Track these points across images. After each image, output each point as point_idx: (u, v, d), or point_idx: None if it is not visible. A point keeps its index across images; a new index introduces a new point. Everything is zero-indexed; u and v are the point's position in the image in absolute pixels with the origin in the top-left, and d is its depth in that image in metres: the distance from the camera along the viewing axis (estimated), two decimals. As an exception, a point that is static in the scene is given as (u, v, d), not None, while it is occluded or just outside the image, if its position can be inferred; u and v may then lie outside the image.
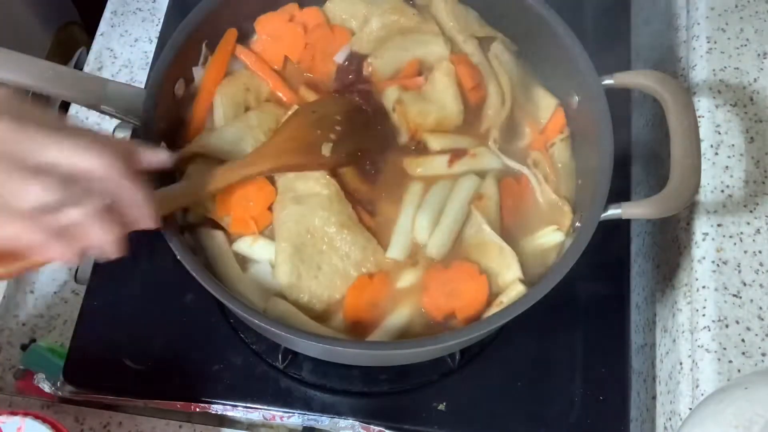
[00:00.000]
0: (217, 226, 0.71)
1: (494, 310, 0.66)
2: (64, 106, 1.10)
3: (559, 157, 0.75)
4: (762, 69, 0.82)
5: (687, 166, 0.65)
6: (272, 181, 0.72)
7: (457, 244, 0.70)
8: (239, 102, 0.75)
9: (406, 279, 0.69)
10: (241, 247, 0.70)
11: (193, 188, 0.66)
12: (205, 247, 0.70)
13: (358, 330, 0.68)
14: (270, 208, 0.71)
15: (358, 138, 0.72)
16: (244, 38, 0.80)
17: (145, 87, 0.71)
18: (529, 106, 0.77)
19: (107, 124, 0.95)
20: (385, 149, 0.74)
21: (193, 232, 0.70)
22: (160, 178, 0.68)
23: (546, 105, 0.77)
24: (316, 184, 0.70)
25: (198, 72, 0.76)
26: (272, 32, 0.79)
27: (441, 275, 0.68)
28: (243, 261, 0.70)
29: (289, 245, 0.68)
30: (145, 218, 0.57)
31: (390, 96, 0.75)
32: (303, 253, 0.68)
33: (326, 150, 0.70)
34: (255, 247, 0.70)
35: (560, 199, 0.72)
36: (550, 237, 0.71)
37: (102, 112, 0.69)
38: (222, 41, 0.77)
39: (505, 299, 0.67)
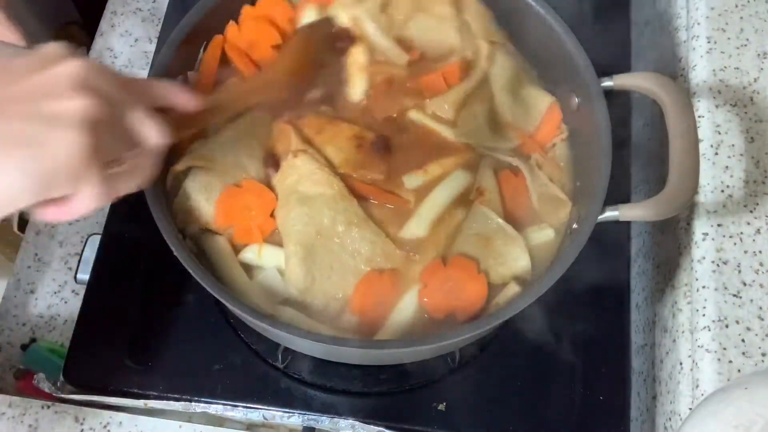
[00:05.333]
0: (218, 233, 0.70)
1: (492, 311, 0.66)
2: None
3: (561, 157, 0.75)
4: (762, 69, 0.82)
5: (685, 169, 0.65)
6: (271, 187, 0.71)
7: (459, 239, 0.70)
8: None
9: (412, 273, 0.69)
10: (249, 256, 0.69)
11: (216, 105, 0.65)
12: (208, 254, 0.69)
13: (364, 329, 0.68)
14: (272, 215, 0.70)
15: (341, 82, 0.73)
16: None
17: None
18: (518, 107, 0.76)
19: (107, 124, 0.95)
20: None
21: (196, 239, 0.70)
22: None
23: (539, 102, 0.76)
24: (318, 185, 0.69)
25: (193, 77, 0.76)
26: (247, 37, 0.78)
27: (439, 272, 0.68)
28: (248, 268, 0.69)
29: (301, 248, 0.67)
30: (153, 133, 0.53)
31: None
32: (315, 255, 0.68)
33: (315, 96, 0.72)
34: (263, 256, 0.69)
35: (560, 193, 0.72)
36: (542, 233, 0.71)
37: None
38: (209, 48, 0.76)
39: (501, 300, 0.67)
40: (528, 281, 0.68)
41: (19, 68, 0.49)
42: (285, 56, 0.73)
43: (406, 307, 0.68)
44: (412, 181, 0.71)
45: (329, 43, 0.75)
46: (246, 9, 0.78)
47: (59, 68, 0.48)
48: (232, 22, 0.77)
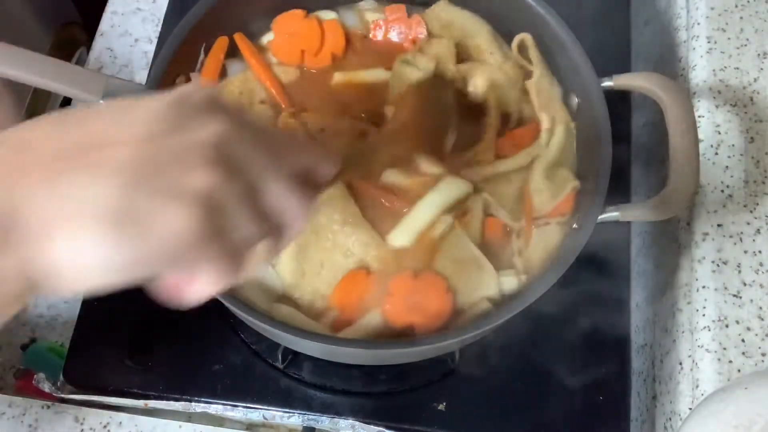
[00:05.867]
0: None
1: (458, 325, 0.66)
2: (65, 103, 1.10)
3: (547, 239, 0.70)
4: (762, 69, 0.82)
5: (685, 169, 0.65)
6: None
7: (435, 256, 0.68)
8: None
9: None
10: None
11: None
12: None
13: (340, 326, 0.67)
14: None
15: (468, 123, 0.71)
16: (252, 38, 0.79)
17: (146, 84, 0.71)
18: (547, 188, 0.72)
19: (107, 124, 0.95)
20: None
21: None
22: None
23: (564, 186, 0.72)
24: None
25: (196, 78, 0.76)
26: (290, 30, 0.78)
27: (408, 284, 0.67)
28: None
29: (294, 244, 0.68)
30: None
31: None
32: (307, 252, 0.68)
33: (449, 142, 0.69)
34: None
35: (514, 274, 0.69)
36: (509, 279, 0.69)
37: (102, 108, 0.69)
38: (213, 48, 0.76)
39: (471, 315, 0.66)
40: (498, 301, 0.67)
41: (151, 119, 0.40)
42: (404, 108, 0.71)
43: (375, 311, 0.67)
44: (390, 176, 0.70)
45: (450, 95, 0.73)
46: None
47: (197, 133, 0.40)
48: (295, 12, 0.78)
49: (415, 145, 0.67)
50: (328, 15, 0.80)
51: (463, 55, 0.77)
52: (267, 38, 0.79)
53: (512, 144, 0.73)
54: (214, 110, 0.41)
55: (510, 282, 0.68)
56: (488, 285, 0.67)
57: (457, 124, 0.70)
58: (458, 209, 0.70)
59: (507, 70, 0.76)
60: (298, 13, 0.79)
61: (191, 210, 0.38)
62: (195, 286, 0.42)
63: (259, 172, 0.42)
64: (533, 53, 0.75)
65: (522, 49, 0.77)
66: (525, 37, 0.75)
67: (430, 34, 0.79)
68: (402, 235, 0.68)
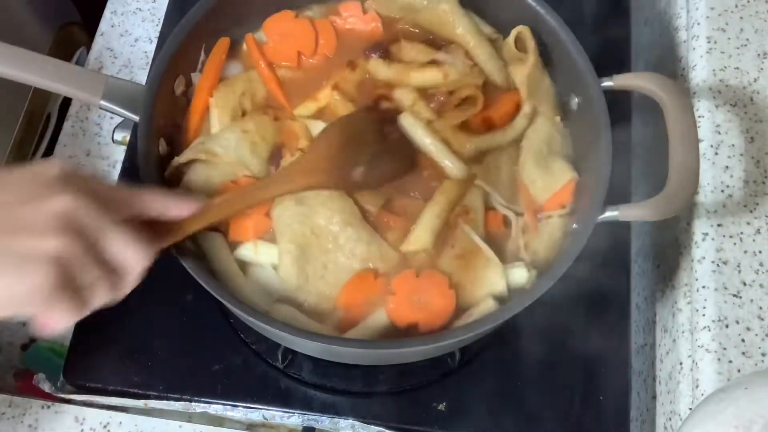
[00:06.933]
0: (215, 229, 0.70)
1: (462, 322, 0.66)
2: (65, 103, 1.10)
3: (551, 232, 0.71)
4: (762, 69, 0.82)
5: (685, 169, 0.65)
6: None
7: (441, 255, 0.69)
8: (235, 107, 0.74)
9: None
10: (245, 253, 0.69)
11: (219, 209, 0.64)
12: (206, 252, 0.69)
13: (346, 326, 0.67)
14: (267, 214, 0.70)
15: (388, 160, 0.71)
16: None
17: (146, 84, 0.71)
18: (540, 177, 0.73)
19: (107, 123, 0.95)
20: (409, 171, 0.72)
21: (194, 237, 0.70)
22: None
23: (561, 176, 0.72)
24: None
25: (196, 78, 0.76)
26: (282, 31, 0.78)
27: (410, 283, 0.67)
28: (243, 266, 0.69)
29: (295, 247, 0.67)
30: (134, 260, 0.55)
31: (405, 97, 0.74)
32: (309, 254, 0.68)
33: (357, 175, 0.69)
34: (259, 252, 0.69)
35: (525, 267, 0.69)
36: (517, 271, 0.69)
37: (102, 108, 0.69)
38: (215, 49, 0.76)
39: (476, 313, 0.66)
40: (505, 299, 0.67)
41: (6, 193, 0.51)
42: (319, 144, 0.72)
43: (381, 311, 0.67)
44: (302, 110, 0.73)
45: (373, 125, 0.73)
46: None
47: (46, 205, 0.50)
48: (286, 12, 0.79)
49: (325, 179, 0.69)
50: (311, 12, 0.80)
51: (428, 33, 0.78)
52: (260, 40, 0.79)
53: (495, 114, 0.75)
54: (64, 183, 0.52)
55: (520, 274, 0.68)
56: (495, 280, 0.67)
57: (371, 159, 0.70)
58: (460, 207, 0.70)
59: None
60: (289, 13, 0.79)
61: (46, 269, 0.49)
62: (51, 322, 0.52)
63: (100, 232, 0.52)
64: (530, 43, 0.75)
65: (518, 41, 0.77)
66: (522, 29, 0.75)
67: (385, 20, 0.79)
68: (418, 240, 0.68)
